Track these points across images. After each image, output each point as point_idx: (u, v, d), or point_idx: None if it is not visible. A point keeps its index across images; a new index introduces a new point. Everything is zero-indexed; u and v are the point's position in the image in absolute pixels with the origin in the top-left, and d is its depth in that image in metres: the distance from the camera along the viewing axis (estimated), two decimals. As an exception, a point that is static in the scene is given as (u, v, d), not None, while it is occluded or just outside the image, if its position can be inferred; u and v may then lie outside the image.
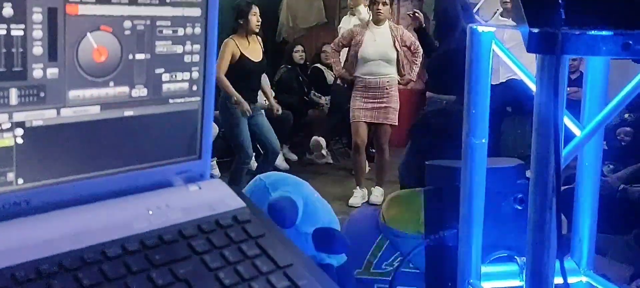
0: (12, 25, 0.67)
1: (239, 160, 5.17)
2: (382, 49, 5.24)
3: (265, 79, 5.60)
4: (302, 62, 7.14)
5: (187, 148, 0.85)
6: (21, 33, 0.67)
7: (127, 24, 0.76)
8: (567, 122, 1.15)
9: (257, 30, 5.14)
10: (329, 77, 7.01)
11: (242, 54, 5.00)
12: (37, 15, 0.68)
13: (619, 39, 0.93)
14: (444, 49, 4.44)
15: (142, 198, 0.79)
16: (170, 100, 0.82)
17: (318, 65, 7.25)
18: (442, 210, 1.41)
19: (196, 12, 0.82)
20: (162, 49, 0.80)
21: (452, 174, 1.38)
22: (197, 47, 0.83)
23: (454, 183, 1.37)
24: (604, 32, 0.95)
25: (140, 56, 0.78)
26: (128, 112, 0.78)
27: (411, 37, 5.42)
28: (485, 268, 1.23)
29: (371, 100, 5.31)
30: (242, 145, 5.08)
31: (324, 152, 6.39)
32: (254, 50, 5.13)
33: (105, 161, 0.77)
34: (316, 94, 7.04)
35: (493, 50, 1.22)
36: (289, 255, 0.78)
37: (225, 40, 5.08)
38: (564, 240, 1.07)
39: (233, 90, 4.95)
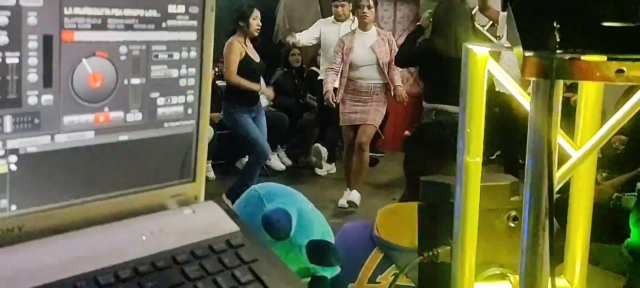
0: (7, 53, 0.67)
1: (257, 155, 5.17)
2: (370, 53, 5.24)
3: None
4: (298, 65, 7.15)
5: (182, 171, 0.85)
6: (16, 61, 0.67)
7: (123, 49, 0.76)
8: (562, 142, 1.16)
9: (257, 34, 5.17)
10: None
11: (246, 54, 5.05)
12: (33, 43, 0.68)
13: (613, 64, 0.93)
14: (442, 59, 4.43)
15: (136, 222, 0.79)
16: (165, 124, 0.82)
17: (314, 68, 7.25)
18: (436, 226, 1.41)
19: (192, 36, 0.82)
20: (158, 73, 0.80)
21: (446, 190, 1.39)
22: (192, 70, 0.83)
23: (448, 200, 1.37)
24: (598, 58, 0.96)
25: (135, 81, 0.78)
26: (122, 137, 0.78)
27: (394, 40, 5.43)
28: (478, 286, 1.24)
29: (359, 104, 5.33)
30: (257, 141, 5.12)
31: (324, 163, 6.40)
32: (254, 52, 5.19)
33: (99, 186, 0.77)
34: (312, 96, 7.04)
35: (488, 70, 1.22)
36: (282, 281, 0.78)
37: (230, 40, 5.11)
38: (558, 250, 1.08)
39: (251, 84, 5.00)
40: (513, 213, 1.37)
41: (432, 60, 4.31)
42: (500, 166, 5.82)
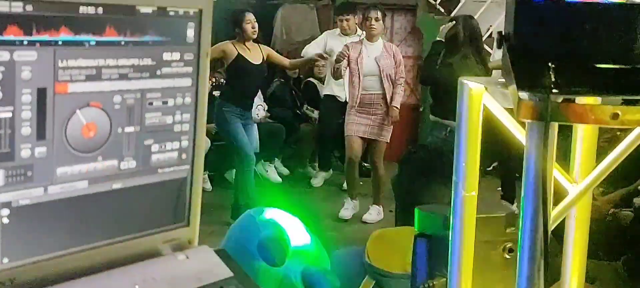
0: (0, 108, 0.66)
1: (242, 164, 5.15)
2: (374, 65, 5.24)
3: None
4: (295, 76, 7.14)
5: (176, 215, 0.85)
6: (9, 115, 0.67)
7: (117, 98, 0.76)
8: (559, 176, 1.16)
9: (254, 37, 5.19)
10: (322, 91, 7.02)
11: (239, 55, 5.05)
12: (26, 97, 0.68)
13: (608, 108, 0.93)
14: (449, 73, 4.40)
15: (130, 271, 0.79)
16: (159, 170, 0.82)
17: (311, 79, 7.25)
18: (431, 257, 1.41)
19: (187, 82, 0.82)
20: (152, 121, 0.80)
21: (442, 222, 1.39)
22: (187, 116, 0.83)
23: (443, 231, 1.37)
24: (593, 100, 0.96)
25: (129, 129, 0.78)
26: (116, 185, 0.78)
27: (398, 51, 5.42)
28: (473, 319, 1.23)
29: (366, 116, 5.31)
30: (242, 147, 5.09)
31: (318, 175, 6.43)
32: (254, 55, 5.17)
33: (93, 235, 0.77)
34: (309, 107, 7.03)
35: (484, 105, 1.22)
36: (275, 330, 0.77)
37: (225, 43, 5.14)
38: (555, 268, 1.08)
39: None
40: (509, 245, 1.37)
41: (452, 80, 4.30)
42: (496, 178, 5.82)
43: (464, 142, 1.22)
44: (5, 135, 0.67)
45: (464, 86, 1.20)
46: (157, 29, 0.77)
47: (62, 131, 0.72)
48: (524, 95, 1.02)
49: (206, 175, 6.12)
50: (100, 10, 0.72)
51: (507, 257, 1.38)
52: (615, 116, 0.93)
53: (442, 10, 7.81)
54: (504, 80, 1.13)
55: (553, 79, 1.00)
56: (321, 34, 8.12)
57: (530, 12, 1.03)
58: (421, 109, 7.69)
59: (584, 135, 1.09)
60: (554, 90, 1.00)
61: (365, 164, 6.11)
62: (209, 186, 6.15)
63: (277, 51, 8.25)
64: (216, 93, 6.66)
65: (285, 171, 6.76)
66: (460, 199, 1.22)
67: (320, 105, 6.59)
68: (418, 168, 1.96)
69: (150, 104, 0.79)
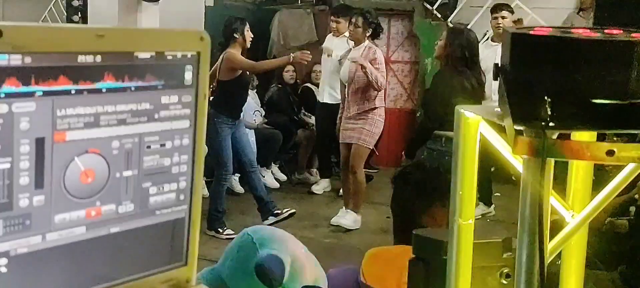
0: (-1, 159, 0.67)
1: (218, 177, 5.17)
2: (356, 66, 5.25)
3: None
4: (292, 81, 7.15)
5: (174, 255, 0.85)
6: (8, 166, 0.67)
7: (115, 143, 0.76)
8: (556, 204, 1.17)
9: (248, 46, 5.22)
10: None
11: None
12: (25, 147, 0.68)
13: (603, 145, 0.94)
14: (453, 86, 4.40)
15: (127, 314, 0.79)
16: (157, 212, 0.82)
17: (308, 84, 7.26)
18: (428, 282, 1.41)
19: (185, 124, 0.82)
20: (150, 164, 0.80)
21: (439, 246, 1.39)
22: (185, 157, 0.83)
23: (440, 256, 1.38)
24: (589, 137, 0.97)
25: (127, 173, 0.78)
26: (114, 229, 0.78)
27: (375, 55, 5.33)
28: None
29: (348, 121, 5.35)
30: (223, 159, 5.10)
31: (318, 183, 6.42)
32: None
33: (91, 279, 0.77)
34: (306, 113, 7.05)
35: (480, 133, 1.23)
36: None
37: (228, 50, 5.10)
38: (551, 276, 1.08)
39: (280, 60, 5.07)
40: (506, 270, 1.37)
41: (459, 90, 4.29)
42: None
43: (460, 171, 1.22)
44: (3, 186, 0.67)
45: (460, 115, 1.20)
46: (156, 73, 0.78)
47: (61, 179, 0.72)
48: (519, 128, 1.03)
49: (203, 180, 6.12)
50: (98, 58, 0.72)
51: (504, 282, 1.38)
52: (610, 153, 0.93)
53: (439, 15, 7.82)
54: (500, 110, 1.14)
55: (549, 113, 1.01)
56: (317, 38, 8.16)
57: (527, 45, 1.04)
58: (418, 114, 7.70)
59: (579, 168, 1.09)
60: (550, 124, 1.01)
61: (365, 170, 6.12)
62: (206, 192, 6.16)
63: (274, 56, 8.28)
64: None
65: (283, 177, 6.76)
66: (457, 228, 1.23)
67: (316, 111, 6.61)
68: (416, 190, 1.97)
69: (148, 147, 0.79)
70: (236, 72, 5.06)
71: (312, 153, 6.87)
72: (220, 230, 5.15)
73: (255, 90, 7.10)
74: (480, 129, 1.21)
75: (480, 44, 6.60)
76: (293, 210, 5.24)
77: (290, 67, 7.15)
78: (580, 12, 7.75)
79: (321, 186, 6.47)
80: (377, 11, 7.87)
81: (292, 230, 5.32)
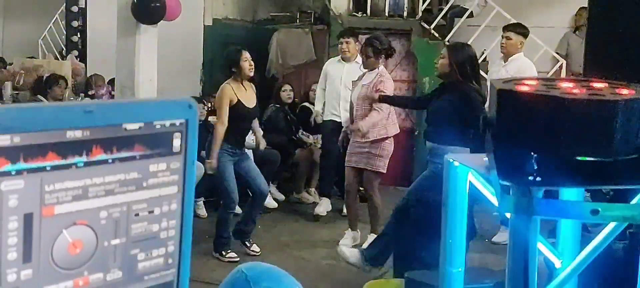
0: (-13, 238, 0.68)
1: (224, 206, 5.16)
2: (364, 91, 5.25)
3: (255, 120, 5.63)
4: (290, 101, 7.16)
5: (162, 318, 0.86)
6: (-4, 243, 0.68)
7: (103, 214, 0.77)
8: (547, 252, 1.18)
9: (252, 74, 5.12)
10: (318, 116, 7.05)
11: (238, 100, 5.01)
12: (13, 224, 0.69)
13: (588, 205, 0.95)
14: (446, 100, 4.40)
15: None
16: (146, 277, 0.83)
17: (306, 104, 7.28)
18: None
19: (173, 190, 0.83)
20: (138, 231, 0.81)
21: (431, 290, 1.40)
22: (173, 222, 0.84)
23: (432, 300, 1.39)
24: (574, 196, 0.98)
25: (115, 241, 0.79)
26: (102, 296, 0.79)
27: (385, 83, 5.32)
28: None
29: (356, 145, 5.33)
30: (227, 190, 5.06)
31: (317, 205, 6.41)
32: (249, 97, 5.13)
33: (79, 347, 0.78)
34: (304, 133, 7.06)
35: (470, 181, 1.24)
36: None
37: (222, 85, 5.07)
38: None
39: (217, 149, 4.97)
40: (496, 316, 1.38)
41: (466, 105, 4.29)
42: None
43: (450, 219, 1.23)
44: (-9, 263, 0.68)
45: (450, 165, 1.22)
46: (144, 142, 0.79)
47: (48, 252, 0.73)
48: (506, 184, 1.04)
49: (201, 201, 6.13)
50: (87, 133, 0.73)
51: (495, 326, 1.39)
52: (595, 212, 0.95)
53: (437, 35, 7.85)
54: (488, 161, 1.15)
55: (535, 170, 1.02)
56: (316, 58, 8.19)
57: (514, 102, 1.05)
58: (416, 133, 7.71)
59: (566, 227, 1.10)
60: (537, 179, 1.02)
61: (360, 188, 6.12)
62: (203, 212, 6.14)
63: (272, 75, 8.30)
64: (212, 119, 6.69)
65: (281, 197, 6.75)
66: (448, 276, 1.24)
67: (321, 129, 6.61)
68: (418, 226, 1.97)
69: (137, 215, 0.80)
70: (230, 104, 5.02)
71: (311, 173, 6.87)
72: (224, 254, 5.17)
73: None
74: (470, 178, 1.22)
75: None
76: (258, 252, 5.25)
77: (287, 86, 7.16)
78: (577, 31, 7.79)
79: (324, 207, 6.46)
80: (375, 30, 7.97)
81: (290, 251, 5.34)
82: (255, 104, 5.19)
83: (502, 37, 5.77)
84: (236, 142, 5.08)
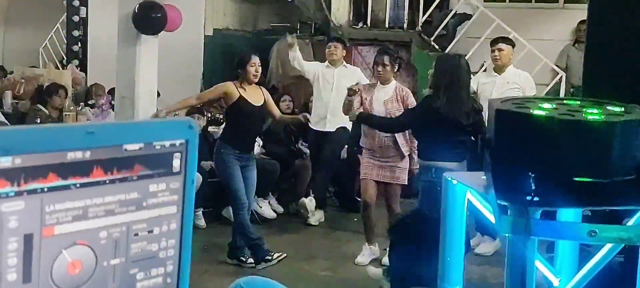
0: (-13, 259, 0.68)
1: (235, 210, 5.16)
2: (382, 108, 5.21)
3: None
4: (289, 111, 7.17)
5: (161, 337, 0.86)
6: (-4, 264, 0.69)
7: (103, 234, 0.77)
8: (545, 271, 1.18)
9: (255, 80, 5.16)
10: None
11: (241, 96, 5.03)
12: (13, 244, 0.70)
13: (585, 226, 0.96)
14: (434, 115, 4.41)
15: None
16: (145, 296, 0.83)
17: (306, 114, 7.29)
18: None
19: (172, 210, 0.84)
20: (137, 250, 0.81)
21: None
22: (172, 242, 0.85)
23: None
24: (571, 217, 0.98)
25: (115, 261, 0.79)
26: (101, 316, 0.79)
27: (407, 97, 5.34)
28: None
29: (378, 159, 5.28)
30: (236, 193, 5.07)
31: (310, 215, 6.38)
32: (254, 95, 5.16)
33: None
34: (303, 143, 7.06)
35: (468, 199, 1.24)
36: None
37: (229, 81, 5.15)
38: None
39: (175, 107, 5.15)
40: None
41: (435, 119, 4.29)
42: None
43: (448, 237, 1.24)
44: (-9, 283, 0.69)
45: (448, 184, 1.22)
46: (144, 163, 0.80)
47: (48, 272, 0.73)
48: (503, 203, 1.05)
49: (200, 211, 6.12)
50: (88, 153, 0.74)
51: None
52: (592, 233, 0.95)
53: (437, 46, 7.88)
54: (485, 180, 1.15)
55: (533, 190, 1.03)
56: (317, 68, 8.21)
57: (512, 122, 1.06)
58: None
59: (564, 248, 1.11)
60: (534, 199, 1.03)
61: (358, 199, 6.13)
62: (202, 223, 6.13)
63: (273, 86, 8.31)
64: (212, 129, 6.70)
65: (280, 208, 6.74)
66: (445, 293, 1.24)
67: (309, 138, 6.61)
68: (416, 241, 1.96)
69: (136, 235, 0.81)
70: (231, 99, 5.05)
71: (310, 184, 6.87)
72: (243, 259, 5.18)
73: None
74: (468, 196, 1.23)
75: (479, 73, 6.63)
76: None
77: (286, 97, 7.17)
78: (576, 44, 7.82)
79: (316, 218, 6.46)
80: (376, 41, 7.99)
81: (289, 262, 5.33)
82: (263, 103, 5.19)
83: (493, 51, 5.79)
84: (242, 144, 5.09)
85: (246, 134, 5.14)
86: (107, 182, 0.76)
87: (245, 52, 5.29)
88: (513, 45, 5.98)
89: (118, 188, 0.77)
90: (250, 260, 5.16)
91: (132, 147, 0.78)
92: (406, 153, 5.28)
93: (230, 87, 5.06)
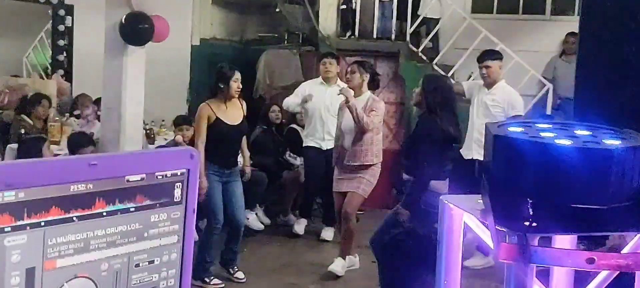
0: (-11, 294, 0.67)
1: (208, 226, 5.09)
2: (351, 120, 5.19)
3: (243, 140, 5.56)
4: (278, 122, 7.15)
5: None
6: (-3, 299, 0.68)
7: (104, 266, 0.77)
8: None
9: (236, 96, 5.05)
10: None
11: (217, 118, 4.92)
12: (15, 279, 0.69)
13: (584, 253, 0.96)
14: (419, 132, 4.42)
15: None
16: (145, 327, 0.83)
17: (294, 125, 7.26)
18: None
19: (173, 239, 0.83)
20: (138, 281, 0.81)
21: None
22: (172, 271, 0.84)
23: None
24: (569, 245, 0.99)
25: (116, 293, 0.79)
26: (102, 348, 0.78)
27: (377, 104, 5.29)
28: None
29: (346, 171, 5.30)
30: (213, 210, 4.97)
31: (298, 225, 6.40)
32: (232, 114, 5.03)
33: None
34: (291, 154, 7.05)
35: (465, 222, 1.25)
36: None
37: (200, 105, 5.01)
38: None
39: (203, 168, 4.86)
40: None
41: (439, 137, 4.29)
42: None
43: (444, 261, 1.24)
44: (-7, 319, 0.68)
45: (444, 207, 1.23)
46: (146, 193, 0.79)
47: (50, 305, 0.72)
48: (501, 229, 1.05)
49: None
50: (90, 186, 0.73)
51: None
52: (590, 261, 0.96)
53: (425, 57, 7.92)
54: (483, 204, 1.16)
55: (531, 216, 1.03)
56: (304, 79, 8.20)
57: (509, 147, 1.06)
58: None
59: (559, 276, 1.11)
60: (533, 225, 1.03)
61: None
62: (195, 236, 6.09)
63: (260, 96, 8.30)
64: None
65: (267, 220, 6.72)
66: (441, 315, 1.24)
67: (304, 154, 6.59)
68: (408, 257, 1.97)
69: (137, 265, 0.80)
70: (209, 121, 4.94)
71: (298, 196, 6.86)
72: (207, 280, 5.05)
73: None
74: (465, 218, 1.23)
75: (468, 81, 6.60)
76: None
77: (276, 108, 7.16)
78: (563, 56, 7.89)
79: (302, 226, 6.46)
80: (364, 52, 8.02)
81: (277, 276, 5.31)
82: (240, 121, 5.08)
83: (481, 68, 5.70)
84: (222, 161, 4.98)
85: (225, 152, 5.02)
86: (109, 213, 0.76)
87: (228, 67, 5.14)
88: (501, 58, 5.88)
89: (120, 219, 0.77)
90: (215, 280, 5.07)
91: (134, 178, 0.77)
92: (372, 162, 5.26)
93: (206, 111, 4.92)
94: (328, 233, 6.40)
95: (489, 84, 5.69)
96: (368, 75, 5.35)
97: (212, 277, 5.06)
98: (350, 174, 5.30)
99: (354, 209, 5.34)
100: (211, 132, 4.89)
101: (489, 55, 5.82)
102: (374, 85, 5.46)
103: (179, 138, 6.09)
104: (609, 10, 1.92)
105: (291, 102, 6.34)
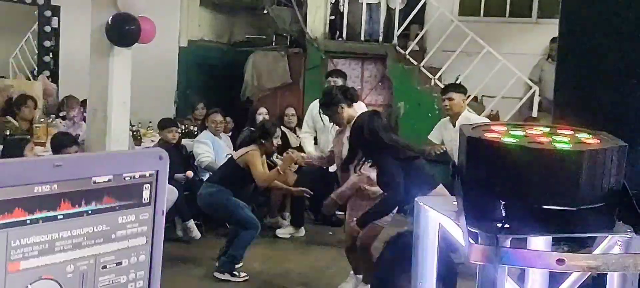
0: (-50, 296, 0.67)
1: (251, 234, 5.24)
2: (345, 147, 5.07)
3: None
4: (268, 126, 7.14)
5: None
6: (-41, 301, 0.67)
7: (70, 268, 0.76)
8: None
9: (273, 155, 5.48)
10: (293, 139, 7.02)
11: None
12: (-23, 281, 0.68)
13: (554, 255, 0.96)
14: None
15: None
16: (113, 329, 0.82)
17: (281, 127, 7.26)
18: None
19: (141, 241, 0.83)
20: (105, 283, 0.80)
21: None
22: (141, 273, 0.84)
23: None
24: (541, 246, 0.99)
25: (82, 295, 0.78)
26: (68, 351, 0.78)
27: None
28: None
29: (364, 201, 5.00)
30: (245, 217, 5.18)
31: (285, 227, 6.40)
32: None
33: None
34: (279, 157, 7.03)
35: (440, 223, 1.25)
36: None
37: (253, 150, 5.28)
38: None
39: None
40: None
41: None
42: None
43: (420, 261, 1.24)
44: (-46, 321, 0.67)
45: (420, 208, 1.23)
46: (113, 194, 0.79)
47: (13, 308, 0.72)
48: (473, 230, 1.05)
49: (193, 223, 6.01)
50: (55, 187, 0.73)
51: None
52: (561, 262, 0.96)
53: (412, 59, 7.94)
54: (457, 206, 1.16)
55: (503, 217, 1.04)
56: (291, 81, 8.19)
57: (482, 150, 1.07)
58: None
59: (534, 278, 1.12)
60: (505, 227, 1.04)
61: (339, 213, 6.11)
62: (197, 234, 6.01)
63: (247, 98, 8.29)
64: (185, 141, 6.63)
65: (254, 221, 6.70)
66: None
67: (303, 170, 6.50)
68: (404, 253, 1.96)
69: (104, 267, 0.79)
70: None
71: (285, 197, 6.84)
72: (236, 274, 5.20)
73: (230, 133, 7.09)
74: (440, 219, 1.24)
75: (433, 132, 6.39)
76: None
77: (263, 110, 7.15)
78: (549, 59, 7.93)
79: (286, 231, 6.45)
80: (351, 54, 8.01)
81: (263, 278, 5.30)
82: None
83: (444, 100, 5.64)
84: (245, 198, 5.42)
85: (244, 191, 5.50)
86: (75, 215, 0.75)
87: (271, 123, 5.72)
88: (465, 92, 5.83)
89: (86, 221, 0.76)
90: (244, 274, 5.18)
91: (101, 179, 0.77)
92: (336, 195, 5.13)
93: (258, 156, 5.34)
94: (285, 231, 6.44)
95: (452, 116, 5.61)
96: (345, 100, 5.08)
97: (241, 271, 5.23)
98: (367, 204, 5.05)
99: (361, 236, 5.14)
100: (246, 177, 5.15)
101: (453, 88, 5.80)
102: (350, 97, 5.04)
103: (190, 173, 6.16)
104: (588, 14, 1.93)
105: (310, 145, 6.49)
